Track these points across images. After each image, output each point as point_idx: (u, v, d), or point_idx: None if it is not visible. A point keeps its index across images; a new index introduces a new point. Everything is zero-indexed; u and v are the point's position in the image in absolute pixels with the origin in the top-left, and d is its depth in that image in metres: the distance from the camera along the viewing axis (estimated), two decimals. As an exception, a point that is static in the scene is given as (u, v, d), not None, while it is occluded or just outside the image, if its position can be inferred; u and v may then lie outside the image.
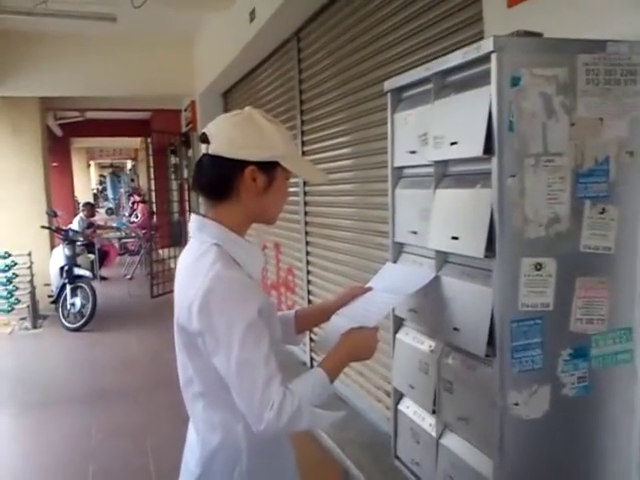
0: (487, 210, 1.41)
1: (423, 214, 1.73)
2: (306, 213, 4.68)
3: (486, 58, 1.38)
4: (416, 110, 1.79)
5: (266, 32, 4.64)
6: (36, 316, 7.34)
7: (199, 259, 1.40)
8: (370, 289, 1.75)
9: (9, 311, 7.21)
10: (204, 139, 1.43)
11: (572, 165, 1.42)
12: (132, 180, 21.08)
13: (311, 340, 4.65)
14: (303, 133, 4.66)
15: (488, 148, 1.39)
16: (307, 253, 4.69)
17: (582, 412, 1.49)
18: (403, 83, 1.83)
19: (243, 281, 1.37)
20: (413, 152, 1.78)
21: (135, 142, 17.30)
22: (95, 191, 23.81)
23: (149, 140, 9.81)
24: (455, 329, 1.57)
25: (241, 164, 1.40)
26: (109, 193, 23.75)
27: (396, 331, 1.95)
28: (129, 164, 22.58)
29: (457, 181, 1.61)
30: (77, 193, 16.48)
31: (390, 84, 1.90)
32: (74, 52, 6.83)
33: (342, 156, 3.95)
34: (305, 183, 4.66)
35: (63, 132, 12.83)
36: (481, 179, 1.47)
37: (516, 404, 1.42)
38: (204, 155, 1.44)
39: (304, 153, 4.57)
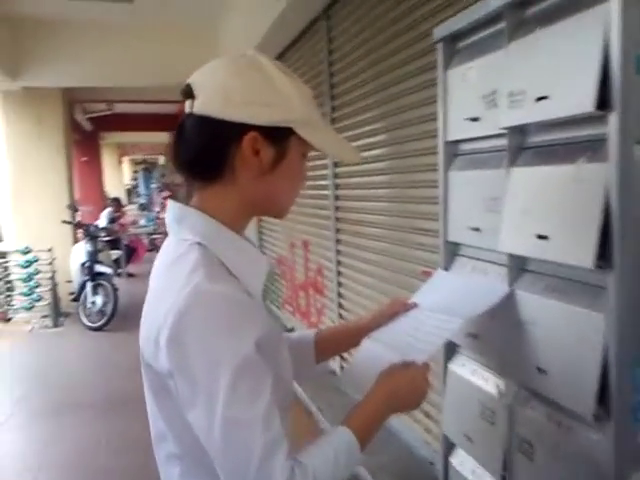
0: (598, 196, 0.93)
1: (490, 204, 1.25)
2: (337, 208, 4.26)
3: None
4: (479, 61, 1.30)
5: (293, 10, 4.24)
6: (57, 314, 7.09)
7: (174, 264, 0.96)
8: (416, 305, 1.28)
9: (30, 308, 6.99)
10: (187, 92, 0.99)
11: None
12: (162, 175, 20.93)
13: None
14: (334, 120, 4.25)
15: (603, 101, 0.91)
16: (337, 252, 4.28)
17: None
18: (460, 26, 1.34)
19: (236, 299, 0.92)
20: (475, 119, 1.30)
21: (167, 137, 17.06)
22: (129, 187, 23.72)
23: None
24: (540, 370, 1.09)
25: (239, 129, 0.95)
26: (141, 189, 23.68)
27: (448, 360, 1.47)
28: (161, 159, 22.45)
29: (544, 155, 1.12)
30: (109, 189, 16.32)
31: (442, 30, 1.41)
32: (94, 41, 6.54)
33: (378, 144, 3.50)
34: (336, 174, 4.20)
35: (92, 126, 12.60)
36: (587, 150, 0.98)
37: (641, 490, 0.94)
38: (187, 116, 0.99)
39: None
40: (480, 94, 1.28)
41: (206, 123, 0.96)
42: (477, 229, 1.31)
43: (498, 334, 1.23)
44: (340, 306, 4.30)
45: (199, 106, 0.97)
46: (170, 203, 1.05)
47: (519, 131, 1.18)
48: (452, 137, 1.45)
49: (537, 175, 1.12)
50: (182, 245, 0.98)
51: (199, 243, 0.97)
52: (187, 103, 1.00)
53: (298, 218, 5.14)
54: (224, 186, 1.00)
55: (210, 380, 0.87)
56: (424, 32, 2.77)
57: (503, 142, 1.21)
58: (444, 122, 1.46)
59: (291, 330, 5.62)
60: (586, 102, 0.92)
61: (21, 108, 7.36)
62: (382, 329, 1.26)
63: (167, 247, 1.04)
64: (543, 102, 1.04)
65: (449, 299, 1.28)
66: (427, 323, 1.19)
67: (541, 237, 1.06)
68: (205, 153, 0.99)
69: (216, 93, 0.96)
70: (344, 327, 1.56)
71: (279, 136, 0.98)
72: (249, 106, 0.95)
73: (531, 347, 1.12)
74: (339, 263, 4.28)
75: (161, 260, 1.04)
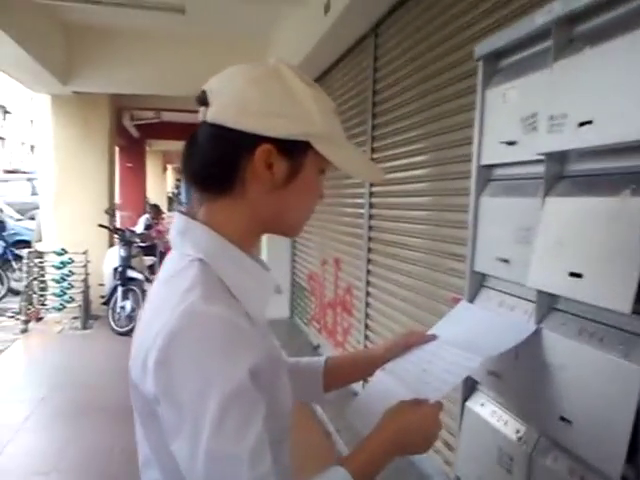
0: (641, 233, 0.84)
1: (521, 234, 1.17)
2: (370, 227, 4.18)
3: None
4: (521, 81, 1.22)
5: (341, 25, 4.21)
6: (88, 316, 7.13)
7: (172, 279, 0.90)
8: (434, 338, 1.19)
9: (61, 309, 7.07)
10: (202, 100, 0.93)
11: None
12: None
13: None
14: (373, 139, 4.19)
15: (652, 128, 0.82)
16: (368, 272, 4.20)
17: None
18: (504, 43, 1.26)
19: (232, 322, 0.84)
20: (512, 143, 1.22)
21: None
22: (171, 195, 24.05)
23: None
24: (563, 419, 0.99)
25: (252, 140, 0.89)
26: (182, 197, 23.99)
27: (466, 398, 1.38)
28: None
29: (584, 185, 1.03)
30: (152, 195, 16.55)
31: (484, 47, 1.34)
32: (145, 49, 6.65)
33: (417, 164, 3.43)
34: (372, 193, 4.13)
35: (139, 133, 12.82)
36: (632, 182, 0.89)
37: None
38: (201, 125, 0.94)
39: (373, 161, 4.04)
40: (519, 116, 1.20)
41: (218, 132, 0.91)
42: (506, 260, 1.22)
43: (521, 375, 1.14)
44: (367, 327, 4.21)
45: (212, 114, 0.91)
46: (176, 215, 0.99)
47: (558, 158, 1.09)
48: (486, 161, 1.36)
49: (575, 206, 1.03)
50: (183, 260, 0.91)
51: (200, 260, 0.90)
52: (201, 110, 0.94)
53: (331, 235, 5.09)
54: (233, 200, 0.93)
55: (197, 405, 0.79)
56: (470, 53, 2.69)
57: (540, 169, 1.12)
58: (479, 145, 1.38)
59: (317, 347, 5.54)
60: (633, 129, 0.84)
61: (70, 112, 7.50)
62: (397, 360, 1.18)
63: (169, 261, 0.97)
64: (586, 127, 0.95)
65: (471, 333, 1.19)
66: (444, 358, 1.10)
67: (574, 275, 0.96)
68: (215, 164, 0.93)
69: (231, 101, 0.90)
70: (357, 356, 1.48)
71: (295, 150, 0.92)
72: (266, 117, 0.89)
73: (556, 393, 1.02)
74: (369, 283, 4.20)
75: (161, 274, 0.98)
